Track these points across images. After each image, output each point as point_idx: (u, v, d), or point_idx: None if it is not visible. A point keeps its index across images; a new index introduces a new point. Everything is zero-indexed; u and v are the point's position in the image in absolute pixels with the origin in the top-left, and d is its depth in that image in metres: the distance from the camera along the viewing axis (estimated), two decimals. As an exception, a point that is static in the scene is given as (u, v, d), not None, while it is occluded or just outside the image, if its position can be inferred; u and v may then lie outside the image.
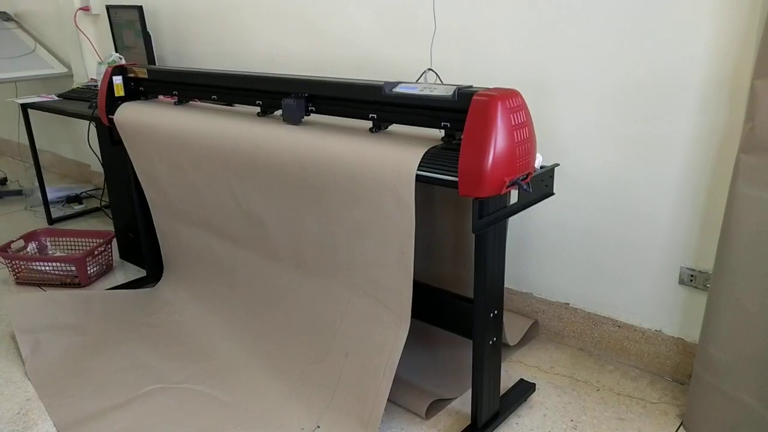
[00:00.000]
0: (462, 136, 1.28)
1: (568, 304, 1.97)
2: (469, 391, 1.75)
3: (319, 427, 1.59)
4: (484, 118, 1.25)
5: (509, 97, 1.28)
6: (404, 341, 1.51)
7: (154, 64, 2.89)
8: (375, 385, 1.56)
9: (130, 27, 2.88)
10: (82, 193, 3.60)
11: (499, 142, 1.25)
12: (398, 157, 1.39)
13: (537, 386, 1.77)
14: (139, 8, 2.78)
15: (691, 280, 1.68)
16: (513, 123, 1.28)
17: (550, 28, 1.75)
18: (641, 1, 1.58)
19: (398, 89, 1.46)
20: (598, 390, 1.76)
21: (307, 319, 1.78)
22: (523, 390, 1.73)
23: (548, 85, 1.81)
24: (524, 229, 2.00)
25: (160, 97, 2.27)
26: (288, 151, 1.58)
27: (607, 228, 1.82)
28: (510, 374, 1.83)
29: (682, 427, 1.59)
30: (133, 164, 2.24)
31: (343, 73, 2.32)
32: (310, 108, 1.64)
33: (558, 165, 1.58)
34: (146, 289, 2.36)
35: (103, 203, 3.49)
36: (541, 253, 1.98)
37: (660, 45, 1.58)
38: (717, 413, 1.49)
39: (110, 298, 2.29)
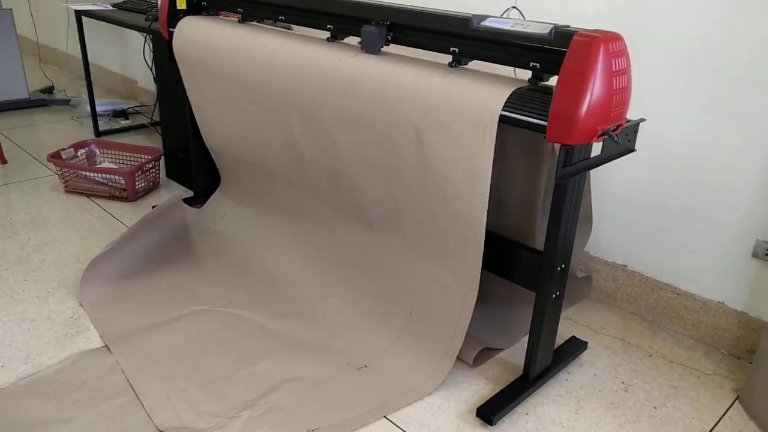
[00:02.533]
0: (558, 78, 1.20)
1: (626, 266, 1.91)
2: (519, 343, 1.73)
3: (366, 366, 1.58)
4: (585, 60, 1.17)
5: (612, 40, 1.19)
6: (472, 309, 1.49)
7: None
8: (442, 347, 1.55)
9: (190, -61, 2.77)
10: (128, 108, 3.58)
11: (597, 87, 1.17)
12: (484, 95, 1.32)
13: (588, 345, 1.74)
14: None
15: (767, 255, 1.61)
16: (614, 69, 1.19)
17: (648, -29, 1.63)
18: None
19: (487, 23, 1.37)
20: (651, 355, 1.72)
21: (370, 270, 1.75)
22: (575, 347, 1.70)
23: (636, 32, 1.69)
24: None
25: (221, 14, 2.20)
26: (367, 82, 1.51)
27: (679, 191, 1.73)
28: (560, 331, 1.79)
29: (737, 401, 1.55)
30: (184, 81, 2.18)
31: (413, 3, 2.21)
32: (387, 37, 1.56)
33: (644, 120, 1.49)
34: (193, 209, 2.33)
35: (152, 121, 3.46)
36: (602, 211, 1.91)
37: (772, -1, 1.46)
38: (780, 392, 1.44)
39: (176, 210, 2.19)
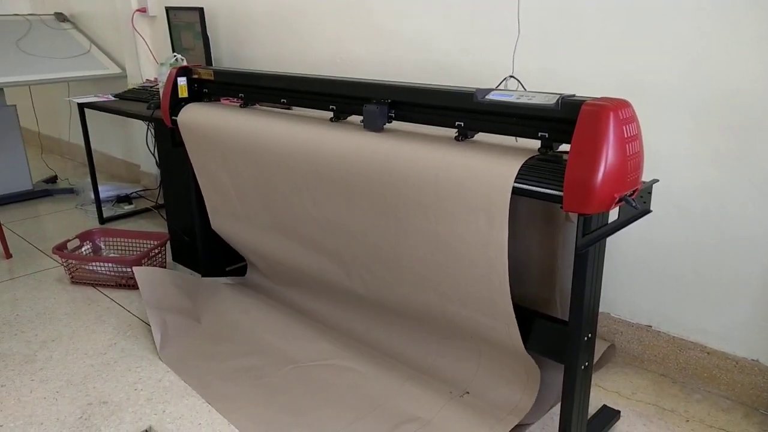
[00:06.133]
0: (570, 148, 1.19)
1: (650, 326, 1.85)
2: (547, 415, 1.65)
3: (468, 393, 1.58)
4: (596, 128, 1.16)
5: (621, 107, 1.19)
6: (519, 335, 1.45)
7: (212, 66, 2.85)
8: (521, 360, 1.51)
9: (189, 29, 2.85)
10: (132, 193, 3.59)
11: (611, 155, 1.16)
12: (494, 167, 1.31)
13: (621, 414, 1.66)
14: (200, 10, 2.75)
15: (796, 308, 1.56)
16: (625, 135, 1.18)
17: (645, 31, 1.65)
18: (747, 5, 1.47)
19: (492, 96, 1.37)
20: (688, 421, 1.64)
21: (410, 311, 1.72)
22: (608, 417, 1.62)
23: (640, 94, 1.70)
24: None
25: (222, 99, 2.22)
26: (371, 160, 1.50)
27: (701, 246, 1.70)
28: (590, 399, 1.72)
29: (786, 467, 1.47)
30: (194, 166, 2.19)
31: (409, 78, 2.24)
32: (390, 114, 1.56)
33: (657, 181, 1.47)
34: (240, 278, 2.41)
35: (156, 204, 3.47)
36: (622, 271, 1.87)
37: (771, 53, 1.47)
38: (831, 455, 1.36)
39: (212, 285, 2.33)
